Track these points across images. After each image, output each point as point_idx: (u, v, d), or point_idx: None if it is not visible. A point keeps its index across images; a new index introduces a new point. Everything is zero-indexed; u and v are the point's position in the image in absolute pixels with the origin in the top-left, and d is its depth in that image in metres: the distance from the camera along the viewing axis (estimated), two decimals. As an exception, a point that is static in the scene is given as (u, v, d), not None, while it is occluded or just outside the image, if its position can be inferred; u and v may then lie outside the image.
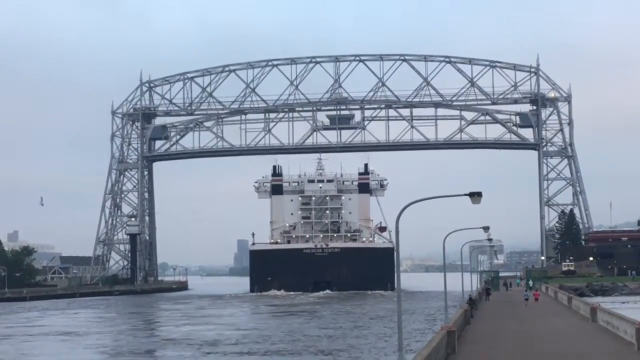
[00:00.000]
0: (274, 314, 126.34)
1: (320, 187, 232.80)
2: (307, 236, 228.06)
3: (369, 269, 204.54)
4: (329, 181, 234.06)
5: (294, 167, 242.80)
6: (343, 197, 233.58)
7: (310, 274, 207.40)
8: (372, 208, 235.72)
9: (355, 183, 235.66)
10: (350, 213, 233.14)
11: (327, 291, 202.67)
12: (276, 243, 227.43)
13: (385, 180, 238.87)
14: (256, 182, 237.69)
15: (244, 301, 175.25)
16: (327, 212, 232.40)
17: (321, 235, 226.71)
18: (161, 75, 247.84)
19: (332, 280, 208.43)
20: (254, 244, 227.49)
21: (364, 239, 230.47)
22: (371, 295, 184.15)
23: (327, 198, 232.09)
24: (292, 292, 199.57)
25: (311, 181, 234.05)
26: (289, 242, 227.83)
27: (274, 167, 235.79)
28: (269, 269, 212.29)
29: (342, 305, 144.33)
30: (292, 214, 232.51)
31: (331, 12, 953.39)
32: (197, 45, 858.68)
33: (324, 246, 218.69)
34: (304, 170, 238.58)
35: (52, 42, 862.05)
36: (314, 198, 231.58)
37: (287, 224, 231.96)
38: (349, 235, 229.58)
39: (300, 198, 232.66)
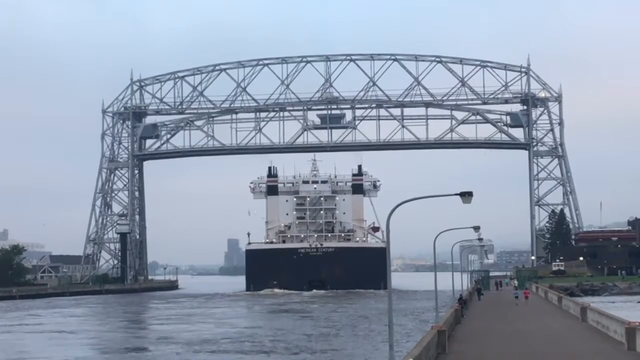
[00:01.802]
0: (269, 313, 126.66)
1: (315, 188, 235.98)
2: (302, 236, 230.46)
3: (363, 269, 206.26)
4: (323, 182, 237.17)
5: (287, 167, 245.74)
6: (337, 198, 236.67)
7: (305, 273, 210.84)
8: (365, 208, 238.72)
9: (349, 184, 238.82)
10: (344, 213, 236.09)
11: (315, 290, 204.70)
12: (271, 243, 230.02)
13: (378, 181, 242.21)
14: (252, 183, 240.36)
15: (240, 299, 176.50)
16: (322, 212, 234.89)
17: (315, 235, 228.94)
18: (152, 74, 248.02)
19: (327, 279, 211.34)
20: (250, 243, 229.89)
21: (358, 238, 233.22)
22: (364, 294, 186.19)
23: (322, 199, 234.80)
24: (287, 291, 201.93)
25: (306, 182, 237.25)
26: (284, 241, 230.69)
27: (270, 168, 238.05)
28: (265, 268, 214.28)
29: (335, 304, 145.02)
30: (287, 214, 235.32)
31: (322, 12, 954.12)
32: (187, 44, 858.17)
33: (319, 246, 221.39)
34: (298, 171, 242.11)
35: (43, 41, 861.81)
36: (308, 199, 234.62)
37: (283, 224, 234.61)
38: (342, 235, 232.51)
39: (295, 199, 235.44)
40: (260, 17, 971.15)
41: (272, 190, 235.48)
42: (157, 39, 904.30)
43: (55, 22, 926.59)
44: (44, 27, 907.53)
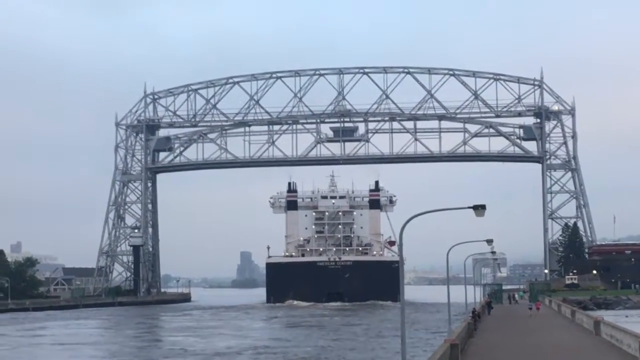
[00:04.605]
0: (287, 325, 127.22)
1: (333, 203, 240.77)
2: (321, 250, 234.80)
3: (379, 281, 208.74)
4: (342, 197, 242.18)
5: (304, 181, 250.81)
6: (355, 213, 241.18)
7: (323, 285, 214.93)
8: (382, 223, 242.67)
9: (366, 199, 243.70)
10: (361, 228, 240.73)
11: (333, 302, 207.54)
12: (291, 256, 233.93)
13: (395, 196, 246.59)
14: (271, 198, 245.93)
15: (260, 311, 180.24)
16: (340, 226, 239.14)
17: (334, 249, 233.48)
18: (165, 87, 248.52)
19: (345, 292, 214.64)
20: (270, 257, 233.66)
21: (375, 252, 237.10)
22: (380, 306, 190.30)
23: (340, 213, 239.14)
24: (306, 303, 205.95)
25: (324, 197, 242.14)
26: (303, 255, 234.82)
27: (289, 183, 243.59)
28: (285, 281, 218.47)
29: (352, 316, 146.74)
30: (306, 228, 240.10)
31: (336, 25, 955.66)
32: (201, 57, 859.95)
33: (337, 259, 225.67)
34: (315, 186, 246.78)
35: (59, 52, 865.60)
36: (327, 213, 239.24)
37: (302, 238, 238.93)
38: (360, 249, 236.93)
39: (314, 213, 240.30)
40: (273, 31, 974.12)
41: (291, 205, 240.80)
42: (170, 52, 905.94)
43: (72, 32, 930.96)
44: (60, 37, 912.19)
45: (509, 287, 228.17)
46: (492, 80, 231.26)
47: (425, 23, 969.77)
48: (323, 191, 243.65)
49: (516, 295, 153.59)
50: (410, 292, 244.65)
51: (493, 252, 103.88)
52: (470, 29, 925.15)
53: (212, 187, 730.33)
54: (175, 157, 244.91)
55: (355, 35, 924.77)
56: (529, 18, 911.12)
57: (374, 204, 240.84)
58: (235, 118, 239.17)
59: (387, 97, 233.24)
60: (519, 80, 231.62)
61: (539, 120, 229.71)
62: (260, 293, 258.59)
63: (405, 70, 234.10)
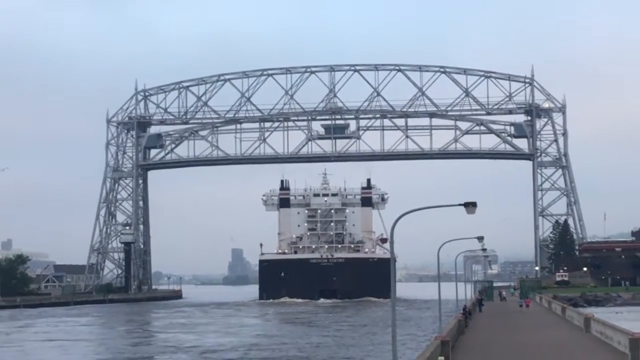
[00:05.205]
0: (279, 322, 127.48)
1: (326, 201, 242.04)
2: (313, 247, 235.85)
3: (371, 278, 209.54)
4: (334, 195, 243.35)
5: (296, 178, 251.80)
6: (347, 210, 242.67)
7: (316, 282, 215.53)
8: (374, 220, 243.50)
9: (358, 197, 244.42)
10: (353, 225, 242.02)
11: (326, 299, 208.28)
12: (284, 253, 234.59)
13: (386, 194, 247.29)
14: (264, 195, 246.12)
15: (252, 308, 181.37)
16: (332, 224, 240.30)
17: (326, 246, 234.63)
18: (156, 84, 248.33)
19: (337, 289, 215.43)
20: (262, 254, 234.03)
21: (367, 249, 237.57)
22: (372, 303, 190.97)
23: (332, 211, 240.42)
24: (299, 300, 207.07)
25: (317, 195, 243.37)
26: (295, 252, 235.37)
27: (282, 181, 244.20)
28: (278, 278, 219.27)
29: (344, 313, 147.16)
30: (298, 225, 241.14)
31: (327, 23, 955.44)
32: (194, 56, 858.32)
33: (329, 256, 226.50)
34: (308, 183, 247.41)
35: (51, 49, 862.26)
36: (319, 211, 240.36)
37: (294, 235, 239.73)
38: (352, 246, 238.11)
39: (306, 211, 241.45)
40: (265, 28, 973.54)
41: (284, 203, 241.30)
42: (162, 50, 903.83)
43: (65, 30, 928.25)
44: (51, 34, 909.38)
45: (500, 284, 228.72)
46: (483, 78, 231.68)
47: (416, 21, 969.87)
48: (315, 189, 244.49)
49: (504, 292, 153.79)
50: (402, 289, 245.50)
51: (484, 250, 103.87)
52: (461, 26, 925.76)
53: (203, 185, 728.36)
54: (167, 154, 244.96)
55: (347, 33, 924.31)
56: (520, 16, 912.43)
57: (366, 202, 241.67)
58: (227, 115, 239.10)
59: (379, 94, 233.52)
60: (509, 78, 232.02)
61: (529, 118, 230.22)
62: (252, 290, 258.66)
63: (396, 67, 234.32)
